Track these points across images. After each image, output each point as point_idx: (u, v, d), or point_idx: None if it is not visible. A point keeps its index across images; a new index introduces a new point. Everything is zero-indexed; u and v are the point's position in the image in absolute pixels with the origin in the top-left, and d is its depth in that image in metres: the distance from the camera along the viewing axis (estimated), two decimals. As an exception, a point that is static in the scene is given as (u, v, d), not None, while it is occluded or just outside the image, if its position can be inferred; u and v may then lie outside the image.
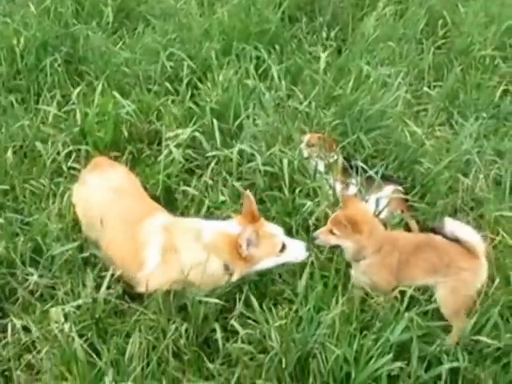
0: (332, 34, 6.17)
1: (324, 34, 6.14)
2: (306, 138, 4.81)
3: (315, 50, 5.83)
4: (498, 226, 4.45)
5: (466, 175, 4.81)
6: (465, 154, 4.90)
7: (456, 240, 3.72)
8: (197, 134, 4.73)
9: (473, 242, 3.71)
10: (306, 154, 4.71)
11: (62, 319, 3.39)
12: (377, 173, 4.49)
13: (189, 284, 3.69)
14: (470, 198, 4.75)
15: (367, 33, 6.09)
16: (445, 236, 3.76)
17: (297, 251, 3.89)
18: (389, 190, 4.57)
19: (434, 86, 5.84)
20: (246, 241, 3.67)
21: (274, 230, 3.88)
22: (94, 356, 3.43)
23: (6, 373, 3.49)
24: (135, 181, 4.30)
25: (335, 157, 4.70)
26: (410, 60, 5.99)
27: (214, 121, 4.78)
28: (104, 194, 4.01)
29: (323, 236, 3.88)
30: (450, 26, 6.61)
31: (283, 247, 3.82)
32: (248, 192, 3.89)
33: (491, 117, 5.57)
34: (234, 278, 3.78)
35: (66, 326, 3.36)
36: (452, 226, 3.76)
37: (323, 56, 5.54)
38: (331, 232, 3.84)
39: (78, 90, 5.14)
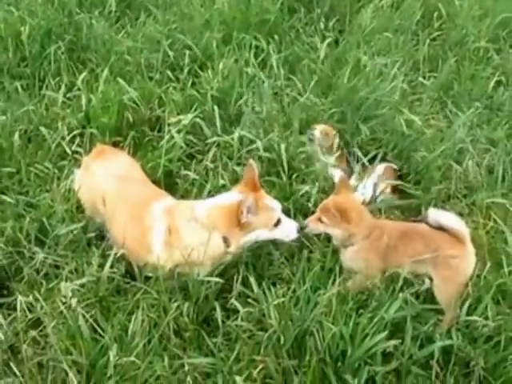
0: (330, 25, 6.26)
1: (322, 25, 6.22)
2: (319, 128, 4.87)
3: (313, 41, 5.91)
4: (490, 212, 4.56)
5: (459, 163, 4.91)
6: (458, 143, 5.00)
7: (441, 228, 3.80)
8: (198, 119, 4.82)
9: (457, 228, 3.79)
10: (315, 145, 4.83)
11: (70, 294, 3.47)
12: (374, 158, 4.62)
13: (193, 264, 3.79)
14: (464, 185, 4.86)
15: (364, 24, 6.17)
16: (430, 226, 3.84)
17: (289, 230, 3.99)
18: (381, 168, 4.72)
19: (429, 77, 5.93)
20: (247, 207, 3.76)
21: (273, 204, 3.97)
22: (99, 331, 3.52)
23: (15, 347, 3.57)
24: (138, 167, 4.40)
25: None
26: (405, 51, 6.07)
27: (215, 107, 4.87)
28: (109, 180, 4.11)
29: (312, 224, 3.97)
30: (445, 19, 6.68)
31: (278, 222, 3.92)
32: (252, 161, 4.01)
33: (485, 107, 5.67)
34: (232, 248, 3.87)
35: (73, 301, 3.45)
36: (435, 214, 3.85)
37: (321, 46, 5.67)
38: (320, 220, 3.93)
39: (82, 76, 5.24)
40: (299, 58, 5.79)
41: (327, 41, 5.96)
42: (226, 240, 3.85)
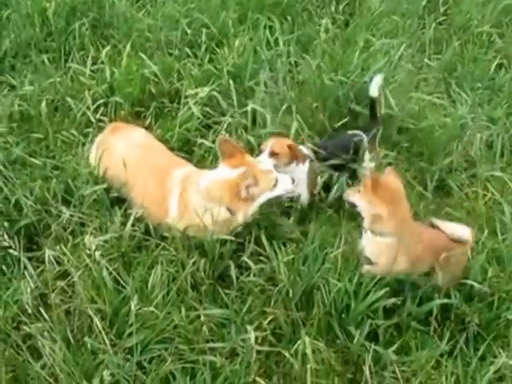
0: (340, 8, 6.39)
1: (333, 8, 6.34)
2: (269, 144, 4.46)
3: (324, 23, 6.00)
4: (488, 185, 4.80)
5: (460, 138, 5.09)
6: (460, 119, 5.17)
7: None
8: (214, 93, 5.03)
9: (468, 238, 3.91)
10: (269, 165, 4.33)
11: (94, 247, 3.68)
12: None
13: (200, 229, 4.01)
14: (464, 159, 5.07)
15: (373, 7, 6.30)
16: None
17: (285, 184, 4.15)
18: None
19: (435, 59, 6.05)
20: (247, 185, 3.95)
21: (267, 165, 4.18)
22: (122, 283, 3.76)
23: (44, 296, 3.76)
24: (154, 139, 4.61)
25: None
26: (412, 33, 6.19)
27: (231, 82, 5.08)
28: (130, 150, 4.31)
29: (350, 192, 3.97)
30: (451, 4, 6.82)
31: (276, 182, 4.11)
32: (222, 136, 4.19)
33: (486, 88, 5.81)
34: (240, 219, 4.08)
35: (97, 254, 3.68)
36: (451, 229, 3.94)
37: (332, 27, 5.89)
38: (358, 191, 3.89)
39: (106, 50, 5.48)
40: (311, 38, 5.93)
41: (337, 23, 6.17)
42: (230, 210, 4.03)
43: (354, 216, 4.18)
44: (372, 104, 4.83)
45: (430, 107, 5.35)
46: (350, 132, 4.76)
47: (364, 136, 4.68)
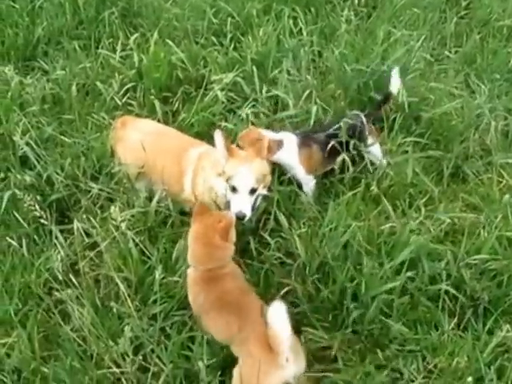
0: (363, 1, 6.50)
1: (356, 0, 6.43)
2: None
3: (347, 14, 6.09)
4: (503, 172, 4.93)
5: (477, 127, 5.20)
6: (477, 109, 5.26)
7: None
8: (238, 79, 5.20)
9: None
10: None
11: (119, 218, 3.83)
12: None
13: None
14: (481, 148, 5.17)
15: (395, 0, 6.40)
16: None
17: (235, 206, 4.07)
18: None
19: (455, 52, 6.13)
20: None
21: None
22: (147, 253, 3.97)
23: (74, 265, 4.00)
24: (164, 126, 4.82)
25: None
26: (432, 25, 6.30)
27: (254, 69, 5.23)
28: (145, 137, 4.42)
29: None
30: (473, -2, 6.90)
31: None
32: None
33: (505, 80, 5.86)
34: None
35: (123, 225, 3.83)
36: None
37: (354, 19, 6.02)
38: None
39: (134, 37, 5.69)
40: (334, 29, 6.05)
41: (360, 15, 6.30)
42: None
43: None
44: (386, 97, 4.98)
45: (448, 97, 5.42)
46: (349, 113, 4.84)
47: (363, 116, 4.74)
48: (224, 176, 4.02)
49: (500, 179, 4.87)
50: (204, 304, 3.60)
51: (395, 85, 4.97)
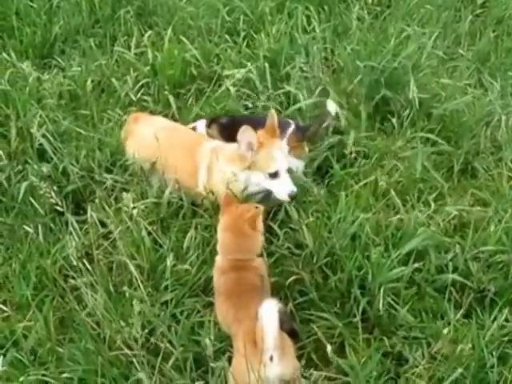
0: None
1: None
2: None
3: (360, 13, 6.20)
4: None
5: (488, 124, 5.22)
6: (488, 105, 5.29)
7: None
8: (251, 75, 5.24)
9: None
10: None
11: (131, 205, 3.95)
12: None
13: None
14: (492, 144, 5.18)
15: None
16: None
17: (283, 188, 4.17)
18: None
19: (469, 50, 6.15)
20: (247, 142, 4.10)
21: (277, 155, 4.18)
22: (159, 242, 4.06)
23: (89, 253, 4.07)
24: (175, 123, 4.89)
25: None
26: (444, 23, 6.32)
27: (266, 65, 5.30)
28: (159, 132, 4.47)
29: None
30: (489, -4, 6.90)
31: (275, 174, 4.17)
32: (273, 111, 4.21)
33: None
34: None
35: (134, 212, 3.95)
36: None
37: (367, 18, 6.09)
38: None
39: (148, 34, 5.81)
40: (347, 27, 6.11)
41: (373, 14, 6.36)
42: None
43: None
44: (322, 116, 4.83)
45: (460, 94, 5.46)
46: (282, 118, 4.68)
47: (293, 125, 4.64)
48: (256, 167, 4.13)
49: (510, 174, 4.87)
50: (219, 287, 3.69)
51: (332, 107, 4.82)
